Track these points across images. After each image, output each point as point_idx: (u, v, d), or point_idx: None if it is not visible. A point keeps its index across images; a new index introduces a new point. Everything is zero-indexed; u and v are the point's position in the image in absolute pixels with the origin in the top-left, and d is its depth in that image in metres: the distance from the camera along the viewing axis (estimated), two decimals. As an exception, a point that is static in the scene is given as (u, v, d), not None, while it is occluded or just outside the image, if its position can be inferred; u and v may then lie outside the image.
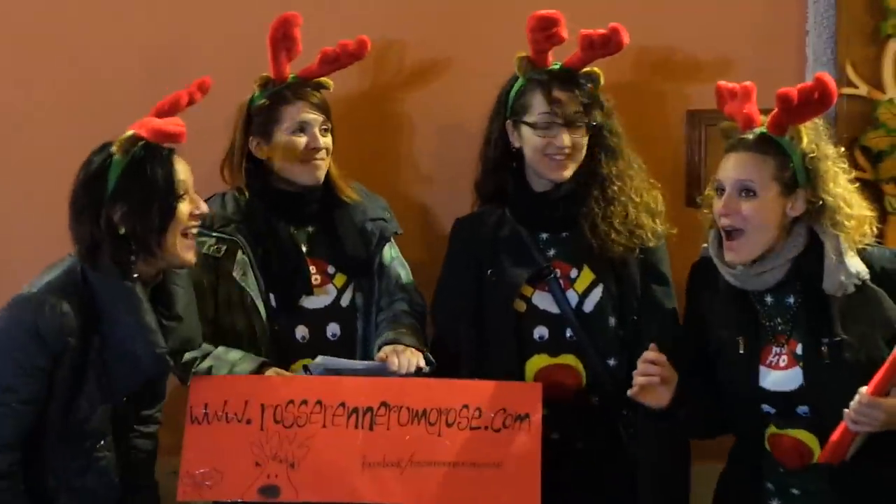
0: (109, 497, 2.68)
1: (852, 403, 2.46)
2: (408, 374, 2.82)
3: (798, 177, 2.59)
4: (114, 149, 2.58)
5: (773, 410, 2.65)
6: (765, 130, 2.61)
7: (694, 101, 3.38)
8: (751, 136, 2.62)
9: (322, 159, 3.02)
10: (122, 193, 2.57)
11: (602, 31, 2.87)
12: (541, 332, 2.91)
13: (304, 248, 3.04)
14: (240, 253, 2.98)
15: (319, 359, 2.84)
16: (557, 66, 2.94)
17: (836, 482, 2.58)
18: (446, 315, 3.02)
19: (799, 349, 2.62)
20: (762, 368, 2.66)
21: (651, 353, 2.64)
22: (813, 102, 2.55)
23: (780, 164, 2.59)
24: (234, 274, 2.97)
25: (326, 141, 3.03)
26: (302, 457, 2.70)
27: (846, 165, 2.67)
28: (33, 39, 3.44)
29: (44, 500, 2.63)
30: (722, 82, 2.73)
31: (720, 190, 2.64)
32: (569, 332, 2.89)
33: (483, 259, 2.96)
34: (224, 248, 2.98)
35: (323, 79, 3.11)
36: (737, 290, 2.68)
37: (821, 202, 2.59)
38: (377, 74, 3.43)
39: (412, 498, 2.67)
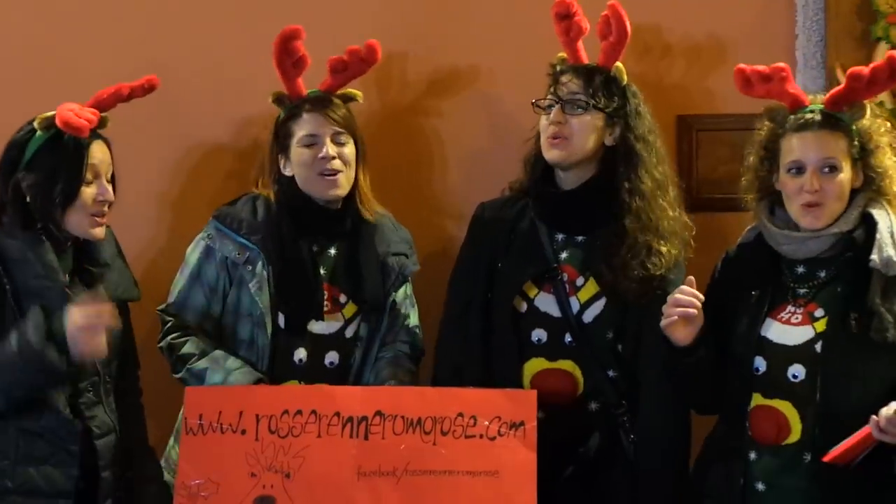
0: (69, 434, 2.67)
1: (884, 411, 2.46)
2: None
3: (857, 150, 2.67)
4: (35, 124, 2.71)
5: (763, 367, 2.65)
6: (821, 107, 2.68)
7: (683, 106, 3.38)
8: (818, 115, 2.67)
9: (335, 171, 2.97)
10: (34, 165, 2.70)
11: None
12: (539, 334, 2.90)
13: (322, 271, 3.01)
14: (260, 265, 2.96)
15: None
16: (592, 66, 2.96)
17: (817, 479, 2.58)
18: (456, 302, 3.02)
19: (818, 312, 2.64)
20: (770, 320, 2.68)
21: (687, 288, 2.65)
22: (881, 81, 2.64)
23: (850, 140, 2.67)
24: (251, 286, 2.95)
25: (342, 151, 2.98)
26: (297, 467, 2.69)
27: (891, 138, 2.73)
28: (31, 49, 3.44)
29: (2, 453, 2.64)
30: (742, 65, 2.75)
31: (798, 170, 2.66)
32: (568, 338, 2.89)
33: (497, 248, 2.96)
34: (246, 255, 2.97)
35: (350, 90, 3.10)
36: (766, 254, 2.72)
37: (877, 175, 2.67)
38: (391, 87, 3.42)
39: (408, 507, 2.67)
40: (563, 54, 3.00)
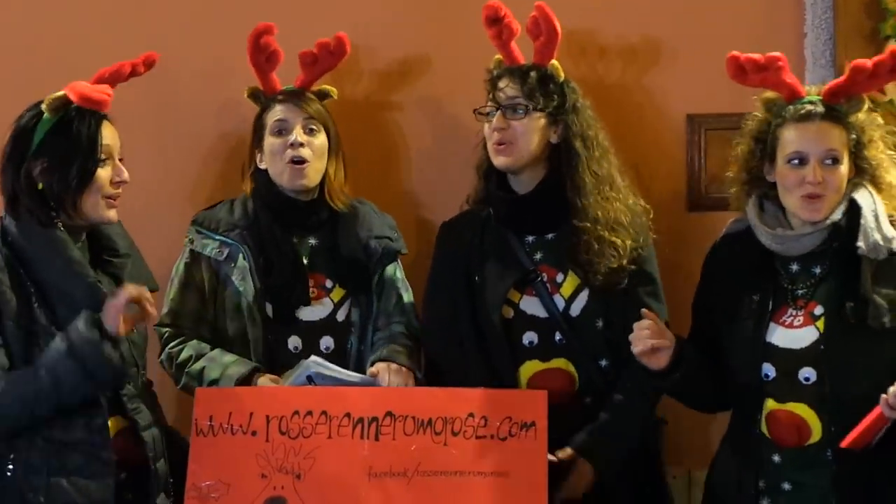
0: (101, 441, 2.59)
1: (893, 389, 2.46)
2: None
3: (854, 143, 2.67)
4: (43, 106, 2.62)
5: (773, 373, 2.64)
6: (819, 98, 2.67)
7: (694, 104, 3.38)
8: (818, 107, 2.66)
9: (303, 160, 3.00)
10: (44, 150, 2.61)
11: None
12: (530, 337, 2.91)
13: (305, 261, 3.05)
14: (241, 258, 3.00)
15: (315, 359, 2.85)
16: (527, 66, 2.96)
17: (838, 477, 2.58)
18: (434, 326, 3.02)
19: (818, 310, 2.63)
20: (773, 325, 2.67)
21: (644, 322, 2.67)
22: (882, 74, 2.63)
23: (847, 132, 2.66)
24: (234, 278, 2.99)
25: (312, 141, 3.01)
26: (308, 468, 2.69)
27: (883, 132, 2.72)
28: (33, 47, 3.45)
29: (33, 468, 2.55)
30: (736, 52, 2.72)
31: (799, 161, 2.64)
32: (558, 336, 2.90)
33: (470, 264, 2.97)
34: (226, 251, 3.01)
35: (324, 86, 3.13)
36: (761, 256, 2.71)
37: (870, 167, 2.66)
38: (367, 80, 3.43)
39: (419, 508, 2.66)
40: (499, 56, 3.01)
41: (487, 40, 3.03)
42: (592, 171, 2.91)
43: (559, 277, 2.92)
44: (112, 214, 2.68)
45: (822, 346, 2.60)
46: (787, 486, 2.65)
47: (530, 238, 2.96)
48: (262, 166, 3.06)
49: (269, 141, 3.03)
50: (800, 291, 2.68)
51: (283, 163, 3.00)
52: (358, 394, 2.78)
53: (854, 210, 2.64)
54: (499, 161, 2.91)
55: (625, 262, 2.87)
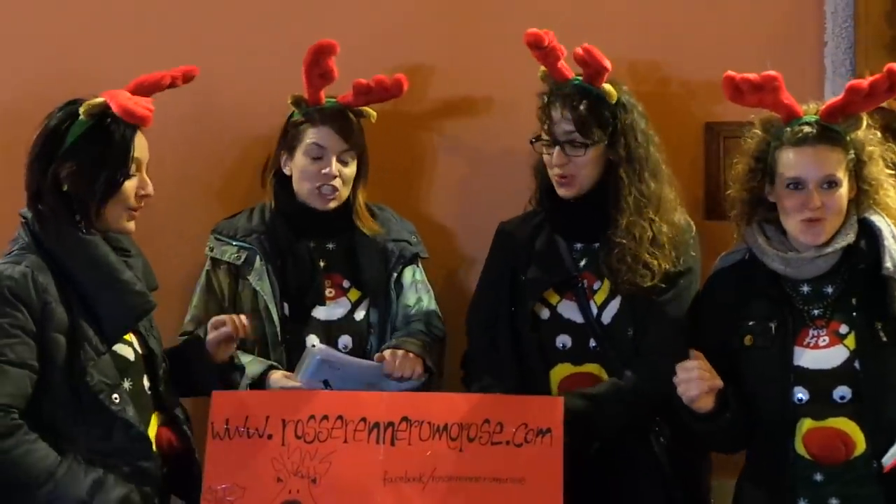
0: (143, 450, 2.62)
1: None
2: (402, 379, 2.85)
3: (853, 162, 2.65)
4: (81, 110, 2.61)
5: (806, 396, 2.62)
6: (817, 119, 2.65)
7: (712, 113, 3.37)
8: (815, 129, 2.64)
9: (334, 189, 3.03)
10: (75, 153, 2.60)
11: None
12: (563, 340, 2.92)
13: (321, 264, 3.07)
14: (258, 260, 3.04)
15: (320, 347, 2.87)
16: (577, 80, 2.94)
17: (886, 484, 2.56)
18: (478, 323, 3.03)
19: (843, 329, 2.61)
20: (797, 349, 2.65)
21: (691, 362, 2.62)
22: (879, 93, 2.61)
23: (846, 153, 2.64)
24: (250, 278, 3.03)
25: (344, 170, 3.04)
26: (323, 472, 2.69)
27: (882, 149, 2.71)
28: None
29: None
30: (731, 73, 2.70)
31: (797, 185, 2.63)
32: (592, 343, 2.90)
33: (518, 265, 2.98)
34: (244, 256, 3.06)
35: (365, 108, 3.13)
36: (769, 282, 2.69)
37: (870, 186, 2.65)
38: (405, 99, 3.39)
39: (434, 513, 2.66)
40: (544, 69, 2.97)
41: (513, 50, 3.03)
42: (638, 191, 2.90)
43: (597, 285, 2.93)
44: (131, 226, 2.69)
45: (855, 364, 2.59)
46: (835, 501, 2.61)
47: (578, 245, 2.97)
48: (287, 171, 3.09)
49: (302, 161, 3.05)
50: (816, 312, 2.66)
51: (312, 187, 3.04)
52: (374, 399, 2.78)
53: (869, 231, 2.64)
54: (563, 192, 2.92)
55: (657, 281, 2.86)
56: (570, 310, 2.93)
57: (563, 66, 2.94)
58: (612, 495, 2.85)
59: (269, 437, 2.72)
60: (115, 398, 2.58)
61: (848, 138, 2.64)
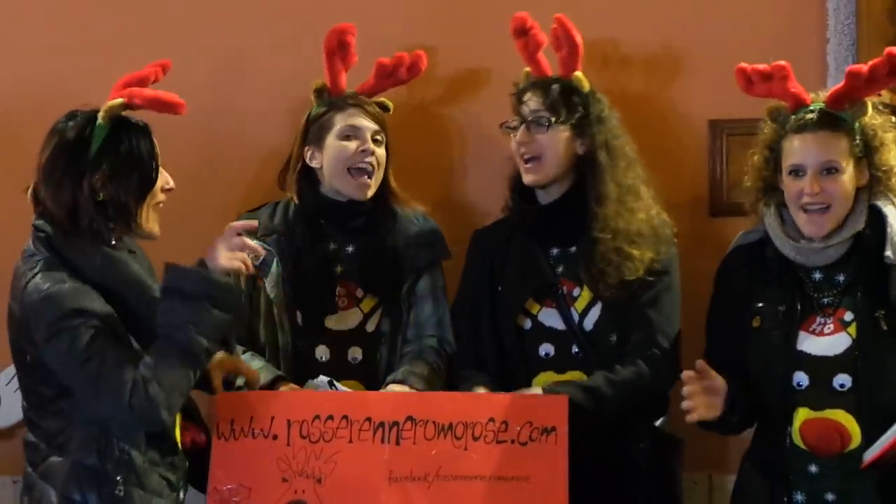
0: (171, 448, 2.65)
1: None
2: None
3: (860, 148, 2.64)
4: (100, 115, 2.58)
5: (806, 382, 2.63)
6: (823, 107, 2.65)
7: (715, 110, 3.37)
8: (817, 115, 2.64)
9: (371, 170, 2.99)
10: (104, 160, 2.56)
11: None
12: (546, 349, 2.93)
13: (338, 269, 3.04)
14: (275, 264, 3.00)
15: (324, 380, 2.87)
16: (551, 79, 2.99)
17: (881, 479, 2.56)
18: (461, 335, 3.03)
19: (847, 316, 2.62)
20: (802, 334, 2.66)
21: (689, 372, 2.62)
22: (880, 78, 2.61)
23: (851, 139, 2.64)
24: (267, 285, 3.00)
25: (379, 151, 3.01)
26: (329, 472, 2.70)
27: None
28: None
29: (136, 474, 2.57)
30: (743, 64, 2.74)
31: (798, 172, 2.65)
32: (575, 349, 2.90)
33: (494, 273, 2.98)
34: (262, 257, 2.98)
35: (382, 99, 3.13)
36: (781, 266, 2.70)
37: (882, 173, 2.64)
38: (419, 84, 3.40)
39: (440, 512, 2.67)
40: (527, 69, 3.02)
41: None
42: (616, 181, 2.92)
43: (576, 291, 2.94)
44: (157, 228, 2.67)
45: (856, 352, 2.60)
46: (830, 496, 2.62)
47: (555, 250, 2.97)
48: (315, 164, 3.04)
49: (336, 144, 3.00)
50: (826, 300, 2.67)
51: (346, 169, 2.98)
52: (379, 398, 2.79)
53: (878, 218, 2.64)
54: (528, 179, 2.94)
55: (641, 273, 2.87)
56: (551, 317, 2.93)
57: (541, 59, 2.99)
58: (595, 495, 2.82)
59: (275, 437, 2.72)
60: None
61: (856, 124, 2.64)
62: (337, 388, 2.85)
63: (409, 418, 2.72)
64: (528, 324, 2.93)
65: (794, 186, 2.65)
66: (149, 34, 3.46)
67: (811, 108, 2.67)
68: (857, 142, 2.64)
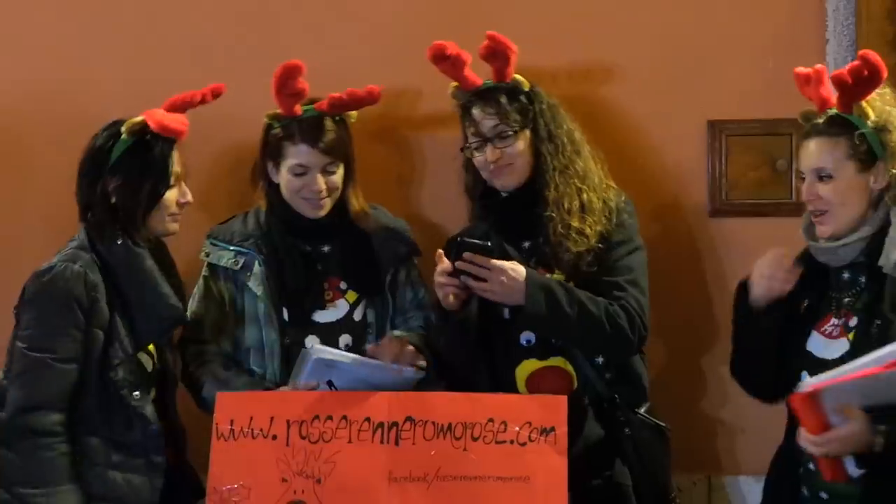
0: (157, 446, 2.81)
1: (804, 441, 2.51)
2: (400, 367, 2.87)
3: (875, 150, 2.63)
4: (123, 129, 2.83)
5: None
6: (834, 112, 2.67)
7: (715, 110, 3.37)
8: (821, 120, 2.67)
9: (322, 199, 3.03)
10: (120, 169, 2.83)
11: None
12: (527, 336, 2.93)
13: (319, 267, 3.08)
14: (256, 265, 3.04)
15: (316, 347, 2.87)
16: (488, 82, 2.99)
17: (867, 486, 2.56)
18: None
19: (853, 322, 2.63)
20: (815, 333, 2.68)
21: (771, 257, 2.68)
22: (863, 80, 2.61)
23: (854, 142, 2.63)
24: (250, 284, 3.03)
25: (331, 180, 3.03)
26: (328, 472, 2.70)
27: None
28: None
29: (91, 461, 2.77)
30: (799, 68, 2.77)
31: (801, 176, 2.70)
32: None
33: None
34: (242, 261, 3.06)
35: (345, 114, 3.11)
36: (819, 264, 2.72)
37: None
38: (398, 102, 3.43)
39: (439, 512, 2.67)
40: (455, 84, 3.01)
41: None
42: (561, 165, 2.94)
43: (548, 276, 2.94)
44: (174, 227, 2.92)
45: (846, 361, 2.58)
46: (824, 495, 2.65)
47: (526, 244, 2.98)
48: (276, 180, 3.07)
49: (287, 177, 3.03)
50: (846, 300, 2.68)
51: (300, 199, 3.04)
52: (378, 399, 2.78)
53: (887, 224, 2.64)
54: (503, 182, 2.95)
55: (594, 242, 2.89)
56: None
57: (469, 74, 2.98)
58: (584, 484, 2.83)
59: (274, 437, 2.72)
60: (136, 395, 2.80)
61: (863, 127, 2.63)
62: (336, 389, 2.85)
63: (409, 419, 2.73)
64: (506, 313, 2.94)
65: (802, 190, 2.70)
66: (154, 36, 3.47)
67: (828, 112, 2.69)
68: (864, 145, 2.63)
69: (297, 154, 3.01)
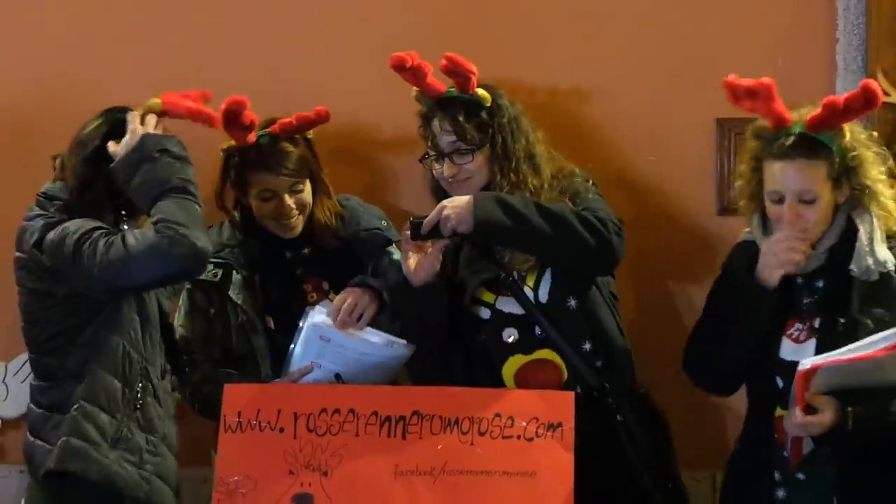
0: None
1: (789, 419, 2.55)
2: (391, 340, 2.88)
3: (840, 170, 2.64)
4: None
5: (782, 384, 2.66)
6: (803, 131, 2.63)
7: (723, 109, 3.33)
8: (795, 141, 2.63)
9: (293, 218, 3.06)
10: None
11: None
12: (510, 332, 2.93)
13: (298, 272, 3.11)
14: (234, 273, 3.06)
15: (318, 308, 2.90)
16: (451, 91, 2.96)
17: (844, 467, 2.61)
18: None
19: (817, 323, 2.65)
20: (783, 339, 2.69)
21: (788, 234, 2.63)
22: (856, 109, 2.60)
23: (830, 163, 2.63)
24: (231, 293, 3.05)
25: (300, 198, 3.06)
26: (335, 465, 2.71)
27: (878, 149, 2.70)
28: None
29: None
30: (732, 77, 2.69)
31: (778, 199, 2.65)
32: (538, 330, 2.91)
33: (449, 276, 2.97)
34: (220, 272, 3.06)
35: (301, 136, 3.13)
36: None
37: (859, 191, 2.65)
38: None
39: (446, 506, 2.68)
40: (417, 89, 2.98)
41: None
42: (511, 184, 2.89)
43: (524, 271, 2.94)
44: None
45: None
46: (801, 476, 2.67)
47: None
48: (246, 202, 3.10)
49: (257, 203, 3.07)
50: (805, 303, 2.69)
51: (272, 221, 3.07)
52: (385, 393, 2.81)
53: (851, 230, 2.66)
54: (461, 195, 2.88)
55: None
56: (509, 304, 2.93)
57: (432, 81, 2.96)
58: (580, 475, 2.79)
59: (282, 430, 2.73)
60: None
61: (833, 147, 2.63)
62: (343, 382, 2.86)
63: (416, 413, 2.74)
64: (486, 313, 2.94)
65: (774, 210, 2.67)
66: (162, 31, 3.50)
67: (791, 130, 2.65)
68: (836, 164, 2.63)
69: (261, 181, 3.05)
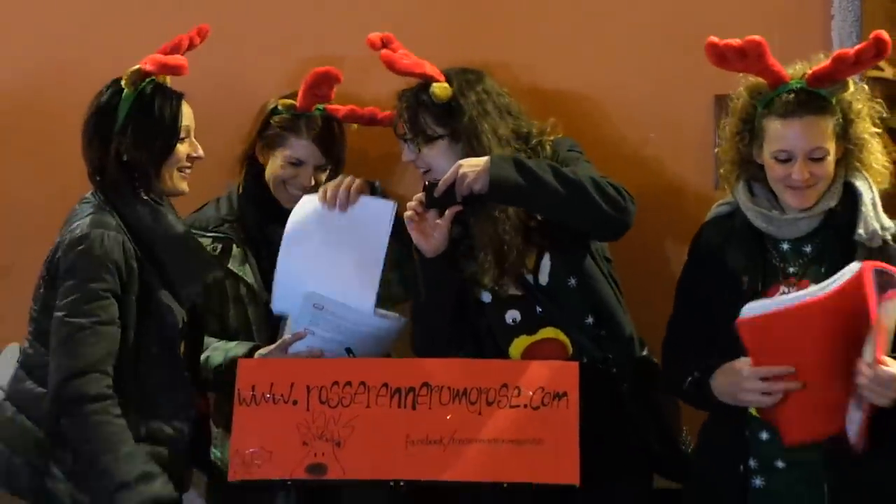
0: (190, 410, 2.87)
1: (866, 373, 2.43)
2: (385, 312, 2.94)
3: (839, 125, 2.64)
4: (123, 83, 2.80)
5: None
6: (804, 86, 2.62)
7: (721, 85, 3.36)
8: (803, 97, 2.61)
9: (304, 192, 3.09)
10: (130, 126, 2.80)
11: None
12: (513, 315, 2.98)
13: None
14: (234, 248, 3.12)
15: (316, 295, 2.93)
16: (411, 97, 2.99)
17: (828, 453, 2.59)
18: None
19: (812, 288, 2.55)
20: None
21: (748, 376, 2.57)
22: (866, 61, 2.60)
23: (835, 118, 2.63)
24: (231, 265, 3.10)
25: (319, 178, 3.13)
26: (347, 436, 2.77)
27: (873, 102, 2.71)
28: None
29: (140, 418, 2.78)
30: (714, 38, 2.65)
31: (786, 159, 2.63)
32: (539, 310, 2.95)
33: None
34: (220, 246, 3.12)
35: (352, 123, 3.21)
36: (750, 236, 2.71)
37: (856, 146, 2.65)
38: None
39: (455, 474, 2.74)
40: None
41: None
42: (489, 139, 2.88)
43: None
44: (185, 186, 2.91)
45: None
46: (780, 464, 2.66)
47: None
48: (261, 160, 3.16)
49: (279, 164, 3.13)
50: (791, 269, 2.68)
51: (284, 189, 3.14)
52: (395, 365, 2.88)
53: (851, 195, 2.66)
54: (426, 179, 2.96)
55: None
56: (509, 286, 2.98)
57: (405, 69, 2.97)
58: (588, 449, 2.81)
59: (295, 402, 2.79)
60: (173, 357, 2.84)
61: (834, 101, 2.62)
62: (354, 355, 2.92)
63: (425, 384, 2.80)
64: (487, 297, 2.99)
65: (780, 169, 2.64)
66: (163, 13, 3.53)
67: (793, 86, 2.64)
68: (839, 118, 2.63)
69: (298, 147, 3.11)
